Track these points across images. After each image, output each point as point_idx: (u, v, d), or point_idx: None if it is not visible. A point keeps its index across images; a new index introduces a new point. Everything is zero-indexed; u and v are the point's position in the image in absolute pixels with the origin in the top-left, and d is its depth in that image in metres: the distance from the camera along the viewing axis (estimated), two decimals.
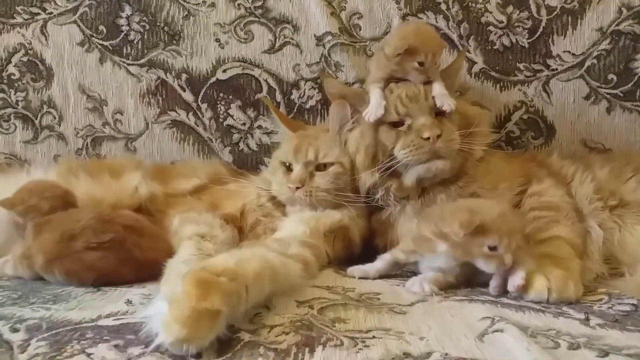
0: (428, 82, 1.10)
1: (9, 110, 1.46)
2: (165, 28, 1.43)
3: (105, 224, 0.97)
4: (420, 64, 1.09)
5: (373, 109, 1.09)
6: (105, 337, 0.66)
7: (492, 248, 0.86)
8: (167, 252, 0.97)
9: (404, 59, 1.10)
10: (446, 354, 0.62)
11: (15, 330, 0.68)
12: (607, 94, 1.37)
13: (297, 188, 1.12)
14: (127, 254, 0.96)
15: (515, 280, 0.87)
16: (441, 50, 1.14)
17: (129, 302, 0.81)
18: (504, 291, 0.89)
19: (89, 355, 0.61)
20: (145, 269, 0.95)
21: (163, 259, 0.92)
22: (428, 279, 0.92)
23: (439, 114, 1.09)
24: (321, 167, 1.16)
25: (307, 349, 0.63)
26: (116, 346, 0.63)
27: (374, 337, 0.67)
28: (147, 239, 1.00)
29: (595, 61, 1.36)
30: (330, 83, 1.26)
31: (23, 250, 1.01)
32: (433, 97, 1.08)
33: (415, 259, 0.98)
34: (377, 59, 1.18)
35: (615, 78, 1.36)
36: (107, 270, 0.94)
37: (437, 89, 1.09)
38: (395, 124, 1.09)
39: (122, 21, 1.43)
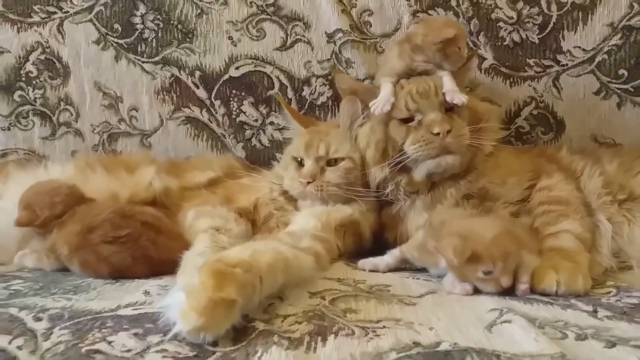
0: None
1: (28, 107, 1.49)
2: (179, 26, 1.45)
3: (124, 219, 0.98)
4: (460, 49, 1.12)
5: (381, 103, 1.11)
6: (125, 326, 0.67)
7: (487, 272, 0.84)
8: (180, 251, 0.96)
9: (446, 45, 1.11)
10: (455, 344, 0.63)
11: (39, 319, 0.70)
12: (618, 89, 1.37)
13: (309, 183, 1.14)
14: (142, 251, 0.96)
15: (520, 287, 0.87)
16: (464, 40, 1.18)
17: (146, 292, 0.83)
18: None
19: (109, 343, 0.63)
20: (159, 268, 0.95)
21: (176, 258, 0.92)
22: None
23: (448, 109, 1.10)
24: (332, 162, 1.17)
25: (319, 338, 0.65)
26: (136, 334, 0.65)
27: (384, 327, 0.69)
28: (164, 238, 1.00)
29: (605, 56, 1.36)
30: (342, 78, 1.28)
31: (49, 244, 1.02)
32: (443, 93, 1.09)
33: (422, 265, 0.99)
34: (396, 52, 1.18)
35: (626, 73, 1.36)
36: (121, 266, 0.95)
37: (448, 85, 1.10)
38: (406, 120, 1.11)
39: (137, 19, 1.46)
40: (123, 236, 0.96)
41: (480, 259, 0.83)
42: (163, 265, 0.94)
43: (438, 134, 1.05)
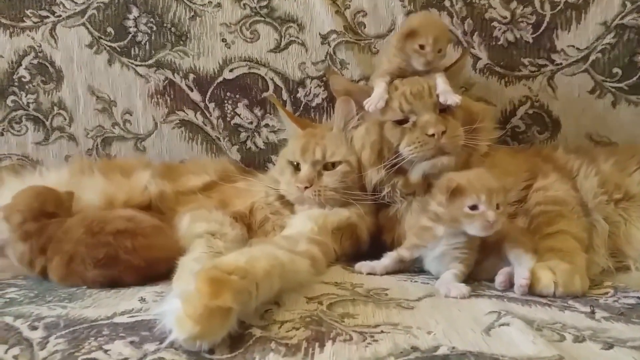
0: (429, 72, 1.12)
1: (21, 112, 1.49)
2: (172, 29, 1.44)
3: (95, 236, 0.95)
4: (421, 46, 1.11)
5: (374, 100, 1.11)
6: (121, 334, 0.67)
7: (473, 207, 0.89)
8: (167, 247, 0.97)
9: (406, 41, 1.12)
10: (453, 348, 0.63)
11: (34, 328, 0.70)
12: (612, 87, 1.37)
13: (306, 188, 1.13)
14: (125, 264, 0.93)
15: (519, 281, 0.88)
16: (445, 38, 1.14)
17: (142, 299, 0.82)
18: (509, 286, 0.90)
19: (106, 351, 0.62)
20: (148, 270, 0.94)
21: (166, 254, 0.92)
22: (451, 279, 0.91)
23: (443, 110, 1.10)
24: (329, 166, 1.17)
25: (317, 344, 0.64)
26: (132, 342, 0.64)
27: (382, 331, 0.69)
28: (141, 239, 0.96)
29: (599, 55, 1.37)
30: (336, 80, 1.28)
31: (21, 257, 1.01)
32: (437, 95, 1.09)
33: (420, 253, 0.99)
34: (386, 52, 1.19)
35: (620, 72, 1.36)
36: (111, 282, 0.93)
37: (441, 86, 1.10)
38: (400, 122, 1.10)
39: (130, 23, 1.45)
40: (101, 258, 0.93)
41: (464, 191, 0.89)
42: (150, 267, 0.94)
43: (433, 135, 1.05)
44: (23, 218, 1.01)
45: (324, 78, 1.42)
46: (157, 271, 0.93)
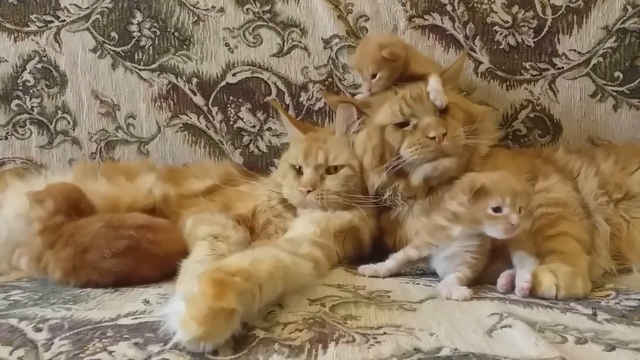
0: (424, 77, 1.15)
1: (25, 116, 1.49)
2: (176, 33, 1.45)
3: (116, 230, 0.97)
4: (364, 77, 1.19)
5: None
6: (125, 336, 0.67)
7: (496, 209, 0.88)
8: (182, 242, 1.02)
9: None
10: (455, 349, 0.63)
11: (39, 330, 0.70)
12: (614, 91, 1.38)
13: (309, 191, 1.14)
14: (145, 253, 0.96)
15: (521, 284, 0.88)
16: (373, 62, 1.16)
17: (146, 301, 0.83)
18: (511, 289, 0.90)
19: (110, 352, 0.63)
20: (165, 262, 0.96)
21: (182, 248, 0.95)
22: (454, 282, 0.91)
23: (442, 112, 1.11)
24: (332, 169, 1.17)
25: (320, 345, 0.65)
26: (136, 344, 0.65)
27: (385, 333, 0.69)
28: (162, 233, 1.01)
29: (601, 59, 1.37)
30: (334, 99, 1.31)
31: (35, 253, 1.01)
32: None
33: (430, 252, 0.98)
34: None
35: (621, 76, 1.37)
36: (126, 273, 0.94)
37: (433, 84, 1.12)
38: (401, 125, 1.11)
39: (134, 27, 1.46)
40: (122, 249, 0.94)
41: (488, 192, 0.88)
42: (170, 259, 0.95)
43: (434, 137, 1.05)
44: (56, 208, 1.01)
45: (326, 82, 1.42)
46: (172, 265, 0.94)
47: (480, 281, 0.96)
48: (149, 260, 0.96)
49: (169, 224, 1.07)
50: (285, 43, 1.43)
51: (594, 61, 1.37)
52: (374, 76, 1.16)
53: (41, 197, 1.03)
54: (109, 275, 0.94)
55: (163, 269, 0.96)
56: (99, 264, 0.94)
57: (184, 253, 0.97)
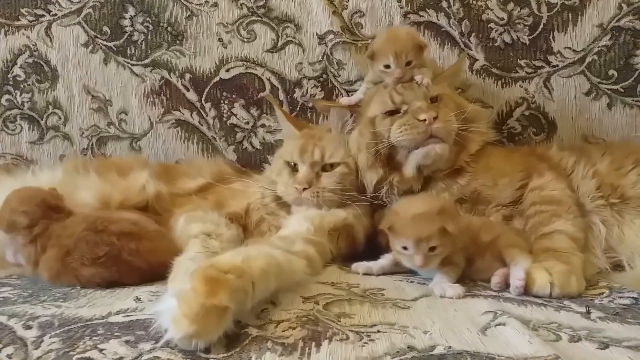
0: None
1: (15, 111, 1.48)
2: (169, 28, 1.44)
3: (98, 234, 0.93)
4: (386, 66, 1.14)
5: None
6: (116, 333, 0.67)
7: (404, 248, 0.91)
8: (171, 252, 0.95)
9: (372, 64, 1.17)
10: (449, 347, 0.63)
11: (28, 327, 0.69)
12: (608, 89, 1.38)
13: (304, 189, 1.13)
14: (126, 265, 0.92)
15: (515, 282, 0.88)
16: (411, 49, 1.13)
17: (137, 299, 0.82)
18: (505, 287, 0.90)
19: (101, 350, 0.62)
20: (150, 273, 0.93)
21: (168, 259, 0.90)
22: (446, 280, 0.91)
23: (434, 101, 1.11)
24: (327, 167, 1.17)
25: (313, 343, 0.64)
26: (127, 342, 0.64)
27: (378, 331, 0.69)
28: (146, 243, 0.95)
29: (595, 57, 1.37)
30: (324, 105, 1.32)
31: (28, 259, 0.99)
32: (427, 87, 1.12)
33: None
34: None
35: (615, 74, 1.37)
36: (109, 282, 0.91)
37: (421, 75, 1.13)
38: (392, 113, 1.11)
39: (126, 22, 1.44)
40: (101, 256, 0.91)
41: (397, 233, 0.91)
42: (153, 270, 0.92)
43: (424, 120, 1.05)
44: (30, 220, 0.98)
45: (321, 78, 1.42)
46: (160, 275, 0.91)
47: (474, 279, 0.96)
48: (132, 272, 0.92)
49: (158, 232, 1.02)
50: (280, 39, 1.43)
51: (588, 59, 1.37)
52: (408, 63, 1.13)
53: (6, 216, 0.98)
54: (91, 283, 0.91)
55: (147, 280, 0.92)
56: (80, 270, 0.91)
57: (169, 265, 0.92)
